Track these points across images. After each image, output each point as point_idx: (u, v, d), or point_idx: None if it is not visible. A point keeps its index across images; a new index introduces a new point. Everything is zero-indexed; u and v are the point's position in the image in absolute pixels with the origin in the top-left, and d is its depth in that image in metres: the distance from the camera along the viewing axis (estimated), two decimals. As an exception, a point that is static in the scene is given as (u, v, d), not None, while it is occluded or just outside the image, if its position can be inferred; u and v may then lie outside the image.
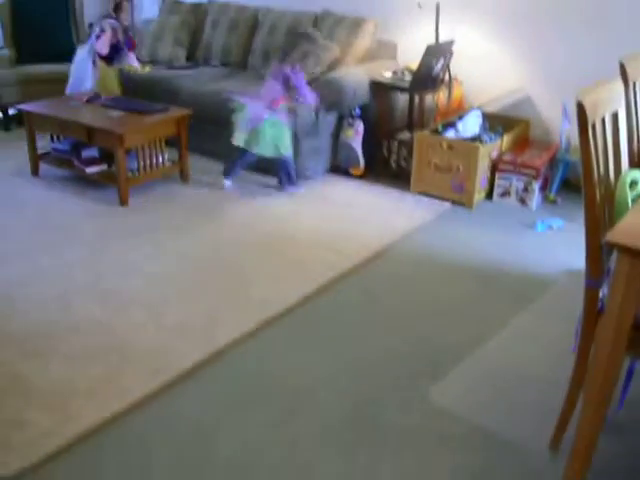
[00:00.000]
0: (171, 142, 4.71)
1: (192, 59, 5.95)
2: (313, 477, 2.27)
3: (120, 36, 5.26)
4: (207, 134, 5.06)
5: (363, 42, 5.11)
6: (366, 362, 2.87)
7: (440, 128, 4.54)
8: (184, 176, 4.75)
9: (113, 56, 5.26)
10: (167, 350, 2.90)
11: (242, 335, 3.00)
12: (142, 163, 4.48)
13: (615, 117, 2.24)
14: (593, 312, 2.19)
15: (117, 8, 5.25)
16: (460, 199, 4.38)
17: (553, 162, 4.51)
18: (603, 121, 2.13)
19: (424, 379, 2.75)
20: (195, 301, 3.29)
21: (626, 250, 1.77)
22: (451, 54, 4.73)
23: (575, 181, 4.42)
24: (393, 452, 2.37)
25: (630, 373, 2.49)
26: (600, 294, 2.16)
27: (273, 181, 4.68)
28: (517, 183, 4.38)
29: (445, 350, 2.94)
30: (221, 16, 5.88)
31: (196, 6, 6.13)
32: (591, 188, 2.06)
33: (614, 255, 1.91)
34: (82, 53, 5.30)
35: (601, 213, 2.13)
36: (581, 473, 2.03)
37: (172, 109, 4.71)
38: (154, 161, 4.57)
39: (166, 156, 4.66)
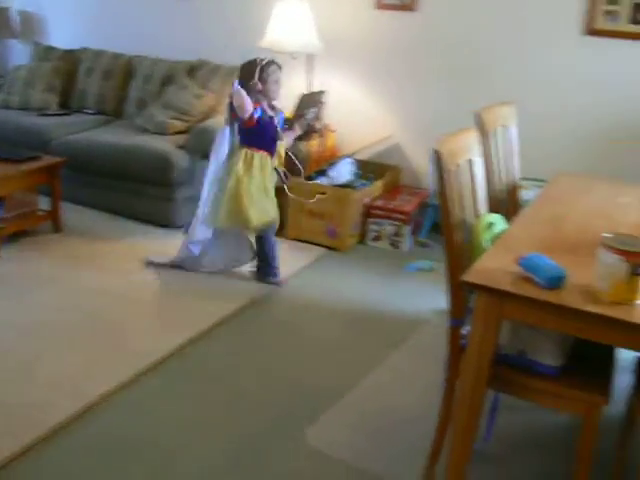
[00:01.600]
0: (44, 191, 4.60)
1: (66, 106, 5.83)
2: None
3: (269, 117, 3.84)
4: (81, 183, 4.98)
5: (238, 91, 5.18)
6: (242, 408, 2.87)
7: (313, 175, 4.65)
8: (57, 226, 4.63)
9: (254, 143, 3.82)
10: (38, 405, 2.80)
11: (116, 387, 2.94)
12: (11, 213, 4.34)
13: (470, 164, 2.39)
14: (457, 349, 2.30)
15: (261, 75, 3.75)
16: (334, 244, 4.48)
17: (423, 207, 4.71)
18: (459, 167, 2.28)
19: (301, 422, 2.77)
20: (68, 353, 3.20)
21: (481, 289, 1.89)
22: (322, 103, 4.87)
23: (443, 225, 4.63)
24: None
25: (494, 405, 2.62)
26: (464, 331, 2.28)
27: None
28: (389, 227, 4.53)
29: (320, 393, 2.99)
30: (95, 63, 5.81)
31: (69, 53, 6.02)
32: (450, 230, 2.18)
33: (474, 294, 2.02)
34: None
35: (461, 254, 2.25)
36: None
37: (43, 157, 4.60)
38: (24, 210, 4.43)
39: (38, 205, 4.54)
